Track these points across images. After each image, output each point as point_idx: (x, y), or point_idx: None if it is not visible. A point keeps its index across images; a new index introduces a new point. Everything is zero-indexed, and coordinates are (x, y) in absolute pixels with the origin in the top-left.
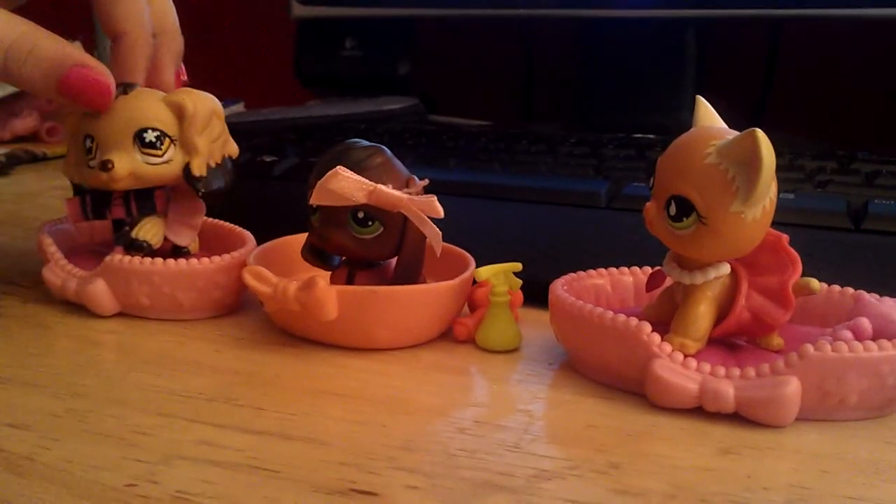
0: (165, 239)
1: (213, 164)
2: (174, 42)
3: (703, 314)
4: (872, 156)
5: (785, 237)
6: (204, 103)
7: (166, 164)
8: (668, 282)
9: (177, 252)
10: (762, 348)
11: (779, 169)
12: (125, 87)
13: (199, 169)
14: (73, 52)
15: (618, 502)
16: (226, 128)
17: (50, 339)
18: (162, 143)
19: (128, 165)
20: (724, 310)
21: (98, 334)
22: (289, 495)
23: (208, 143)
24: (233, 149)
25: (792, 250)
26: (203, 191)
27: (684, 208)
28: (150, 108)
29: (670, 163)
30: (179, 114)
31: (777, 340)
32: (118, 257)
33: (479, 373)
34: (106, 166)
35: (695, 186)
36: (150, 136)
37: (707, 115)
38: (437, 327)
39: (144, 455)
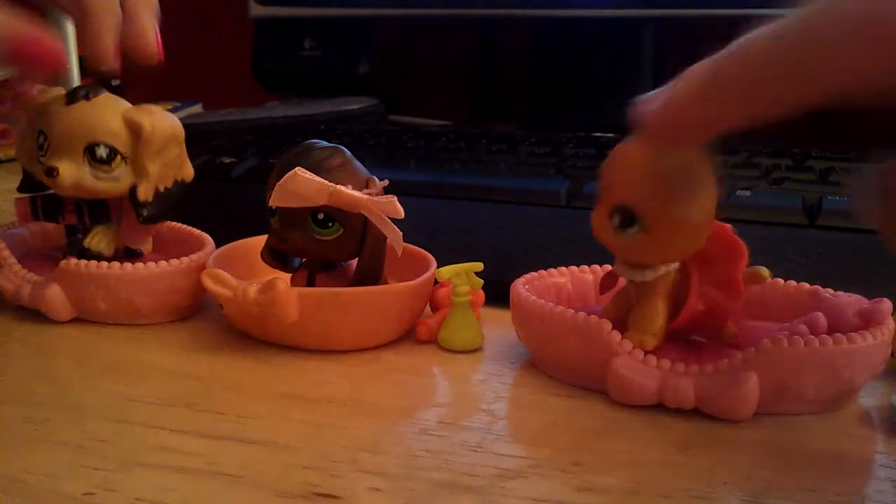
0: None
1: (161, 189)
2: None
3: (657, 309)
4: (826, 153)
5: (729, 227)
6: (163, 125)
7: (113, 181)
8: (622, 282)
9: (130, 254)
10: (720, 344)
11: (735, 167)
12: (87, 92)
13: (144, 194)
14: (19, 21)
15: (581, 500)
16: (184, 150)
17: (4, 346)
18: (112, 160)
19: (73, 175)
20: (677, 303)
21: (54, 340)
22: (251, 501)
23: (160, 168)
24: (188, 172)
25: (738, 239)
26: (143, 216)
27: (628, 218)
28: (106, 120)
29: (612, 172)
30: (136, 133)
31: (732, 328)
32: (74, 261)
33: (442, 373)
34: (51, 173)
35: (637, 196)
36: (102, 151)
37: None
38: (399, 328)
39: (103, 463)
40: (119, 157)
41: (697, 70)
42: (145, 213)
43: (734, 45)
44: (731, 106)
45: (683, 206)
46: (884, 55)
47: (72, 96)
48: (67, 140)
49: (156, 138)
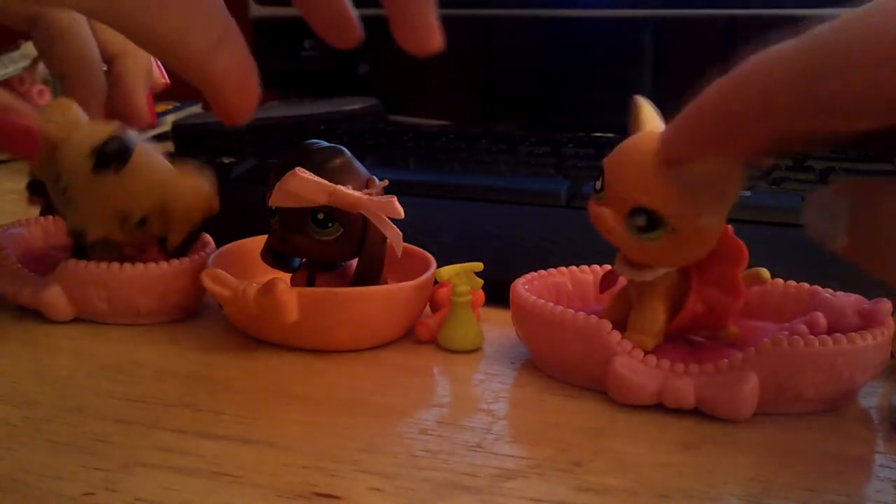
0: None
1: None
2: (138, 61)
3: (657, 310)
4: (825, 153)
5: (730, 228)
6: (195, 202)
7: (140, 234)
8: (622, 281)
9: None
10: (720, 344)
11: None
12: (117, 160)
13: (173, 245)
14: (4, 94)
15: (581, 500)
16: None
17: (4, 346)
18: (144, 224)
19: (102, 234)
20: (677, 303)
21: (54, 340)
22: (251, 501)
23: (188, 228)
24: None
25: (738, 240)
26: (170, 255)
27: (653, 220)
28: (139, 197)
29: (630, 171)
30: (169, 211)
31: (733, 329)
32: (73, 261)
33: (442, 373)
34: (80, 238)
35: (665, 199)
36: (133, 220)
37: (650, 118)
38: (399, 328)
39: (102, 463)
40: (149, 218)
41: (717, 87)
42: (176, 254)
43: (753, 61)
44: (751, 127)
45: (712, 212)
46: None
47: (100, 159)
48: (96, 208)
49: (187, 215)
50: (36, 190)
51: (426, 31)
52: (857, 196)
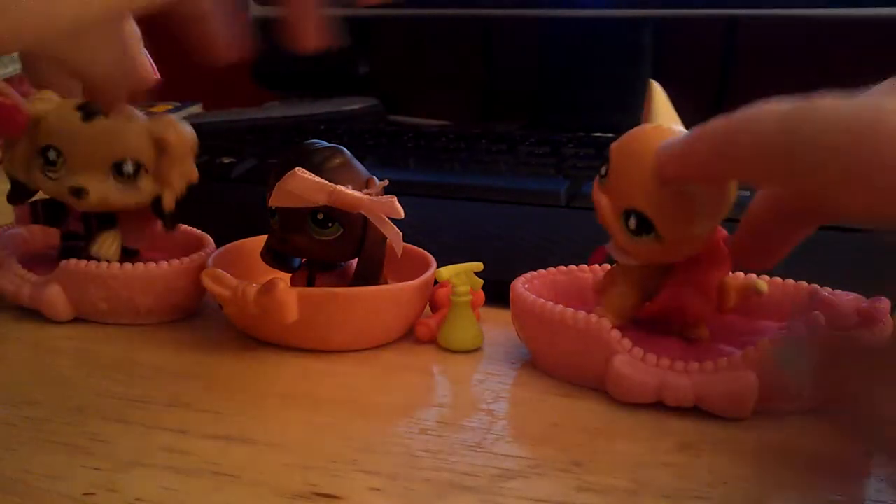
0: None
1: (179, 196)
2: None
3: (629, 294)
4: None
5: (724, 233)
6: (184, 137)
7: (138, 193)
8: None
9: (127, 253)
10: (718, 344)
11: None
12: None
13: (169, 204)
14: None
15: (581, 500)
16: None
17: (4, 346)
18: (138, 174)
19: (101, 193)
20: (654, 294)
21: (54, 340)
22: (251, 501)
23: (182, 179)
24: (195, 174)
25: (724, 248)
26: (170, 226)
27: (643, 225)
28: (131, 137)
29: (632, 170)
30: (161, 147)
31: (703, 332)
32: (74, 261)
33: (442, 373)
34: (80, 194)
35: (658, 208)
36: (129, 167)
37: (664, 109)
38: (399, 328)
39: (103, 463)
40: (143, 169)
41: (714, 126)
42: (169, 222)
43: (750, 111)
44: (742, 167)
45: (703, 224)
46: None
47: (87, 111)
48: (91, 158)
49: (179, 151)
50: (17, 195)
51: (304, 30)
52: (821, 350)
